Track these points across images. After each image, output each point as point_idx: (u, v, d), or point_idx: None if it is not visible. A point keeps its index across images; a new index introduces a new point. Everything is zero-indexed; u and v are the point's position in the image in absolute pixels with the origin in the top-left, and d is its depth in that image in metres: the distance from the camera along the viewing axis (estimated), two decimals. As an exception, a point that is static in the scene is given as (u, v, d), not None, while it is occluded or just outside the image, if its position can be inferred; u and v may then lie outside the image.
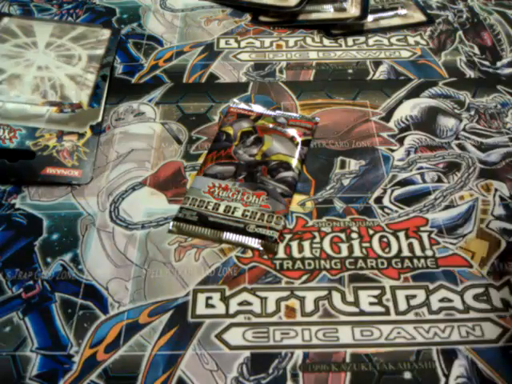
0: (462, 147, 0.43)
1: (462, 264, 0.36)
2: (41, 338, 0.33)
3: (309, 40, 0.54)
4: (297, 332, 0.33)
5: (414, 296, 0.34)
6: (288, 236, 0.38)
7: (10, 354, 0.32)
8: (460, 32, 0.55)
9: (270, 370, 0.31)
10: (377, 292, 0.35)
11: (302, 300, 0.34)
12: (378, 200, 0.40)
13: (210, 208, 0.38)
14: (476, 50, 0.53)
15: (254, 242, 0.37)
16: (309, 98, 0.48)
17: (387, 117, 0.46)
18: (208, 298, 0.35)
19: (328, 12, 0.54)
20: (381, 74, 0.50)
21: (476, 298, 0.34)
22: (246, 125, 0.44)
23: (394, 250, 0.37)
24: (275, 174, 0.40)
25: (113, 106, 0.47)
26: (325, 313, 0.34)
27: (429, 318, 0.33)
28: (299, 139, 0.43)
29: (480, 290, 0.35)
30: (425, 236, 0.38)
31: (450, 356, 0.32)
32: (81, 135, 0.43)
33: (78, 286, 0.35)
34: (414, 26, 0.56)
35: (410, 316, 0.34)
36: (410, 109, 0.47)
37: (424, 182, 0.41)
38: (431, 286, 0.35)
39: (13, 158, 0.40)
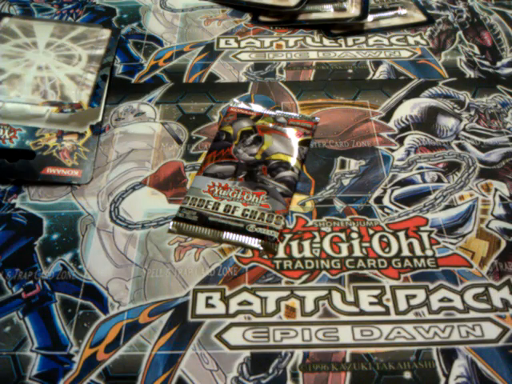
0: (462, 147, 0.43)
1: (462, 264, 0.36)
2: (41, 338, 0.33)
3: (309, 40, 0.54)
4: (297, 332, 0.33)
5: (413, 296, 0.34)
6: (288, 236, 0.38)
7: (10, 353, 0.32)
8: (460, 32, 0.55)
9: (270, 370, 0.31)
10: (377, 292, 0.35)
11: (302, 300, 0.34)
12: (378, 200, 0.40)
13: (209, 207, 0.38)
14: (476, 50, 0.53)
15: (254, 242, 0.37)
16: (309, 98, 0.48)
17: (387, 117, 0.46)
18: (208, 298, 0.35)
19: (328, 12, 0.54)
20: (381, 73, 0.50)
21: (476, 297, 0.34)
22: (245, 124, 0.44)
23: (394, 249, 0.37)
24: (275, 174, 0.40)
25: (113, 106, 0.47)
26: (325, 313, 0.34)
27: (429, 318, 0.33)
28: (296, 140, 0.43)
29: (480, 290, 0.35)
30: (425, 236, 0.38)
31: (449, 356, 0.32)
32: (81, 135, 0.43)
33: (78, 286, 0.35)
34: (414, 26, 0.56)
35: (410, 316, 0.34)
36: (409, 109, 0.47)
37: (424, 181, 0.41)
38: (431, 286, 0.35)
39: (13, 158, 0.40)
